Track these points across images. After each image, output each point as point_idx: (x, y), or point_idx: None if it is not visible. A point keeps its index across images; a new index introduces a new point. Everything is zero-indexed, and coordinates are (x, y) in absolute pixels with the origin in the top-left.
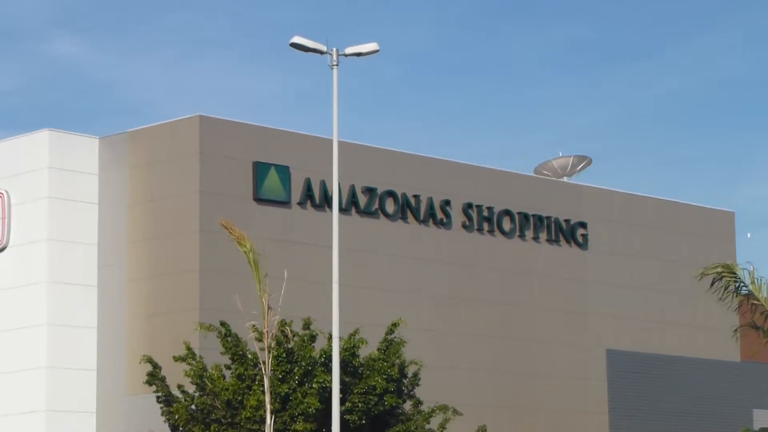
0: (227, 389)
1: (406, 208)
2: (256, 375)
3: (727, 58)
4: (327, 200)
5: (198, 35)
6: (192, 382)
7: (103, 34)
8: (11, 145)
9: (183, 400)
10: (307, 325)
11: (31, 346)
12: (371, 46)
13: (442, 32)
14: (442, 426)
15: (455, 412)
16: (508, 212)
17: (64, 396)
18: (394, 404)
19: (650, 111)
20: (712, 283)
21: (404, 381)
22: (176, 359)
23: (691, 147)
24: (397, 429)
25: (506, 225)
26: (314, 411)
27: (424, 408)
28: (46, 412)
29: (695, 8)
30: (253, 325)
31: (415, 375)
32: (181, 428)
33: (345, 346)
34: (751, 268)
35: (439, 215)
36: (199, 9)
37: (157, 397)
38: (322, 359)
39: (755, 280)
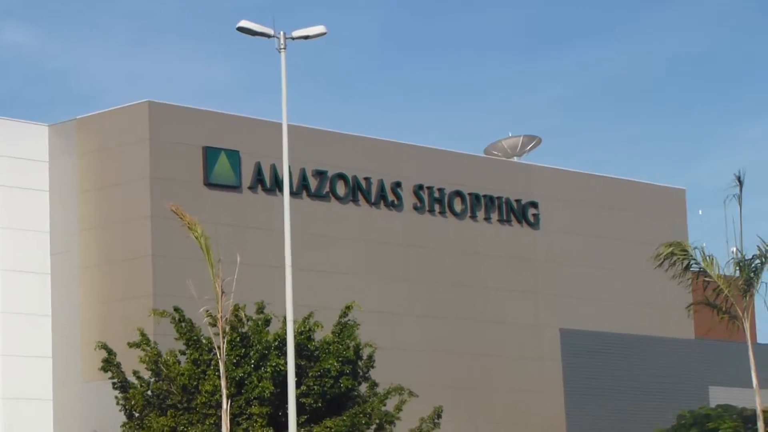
0: (182, 374)
1: (357, 190)
2: (211, 360)
3: (677, 34)
4: (278, 184)
5: (147, 22)
6: (147, 368)
7: (52, 21)
8: None
9: (139, 386)
10: (260, 309)
11: None
12: (318, 29)
13: (389, 15)
14: (398, 408)
15: (411, 393)
16: (459, 193)
17: (20, 384)
18: (349, 386)
19: (600, 89)
20: (663, 261)
21: (359, 363)
22: (131, 345)
23: (641, 124)
24: (353, 411)
25: (457, 206)
26: (269, 394)
27: (380, 390)
28: (2, 399)
29: None
30: (207, 310)
31: (370, 357)
32: (137, 414)
33: (299, 330)
34: (703, 246)
35: (390, 197)
36: None
37: (113, 384)
38: (277, 343)
39: (706, 258)
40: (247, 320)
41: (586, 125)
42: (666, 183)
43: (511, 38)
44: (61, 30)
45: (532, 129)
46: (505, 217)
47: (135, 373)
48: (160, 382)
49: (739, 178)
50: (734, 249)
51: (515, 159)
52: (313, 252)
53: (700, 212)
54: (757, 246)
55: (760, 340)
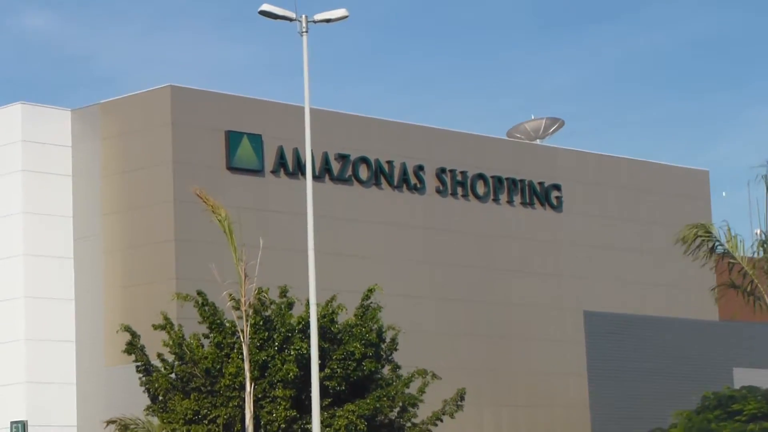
0: (206, 358)
1: (379, 174)
2: (234, 343)
3: (698, 16)
4: (300, 168)
5: (168, 5)
6: (171, 352)
7: (73, 7)
8: None
9: (162, 369)
10: (284, 293)
11: (10, 319)
12: (340, 12)
13: None
14: (421, 390)
15: (434, 376)
16: (481, 176)
17: (44, 368)
18: (372, 369)
19: (621, 71)
20: (688, 243)
21: (382, 346)
22: (155, 327)
23: (664, 106)
24: (377, 394)
25: (480, 189)
26: (293, 377)
27: (403, 373)
28: (27, 384)
29: None
30: (230, 294)
31: (393, 340)
32: (160, 397)
33: (322, 313)
34: (727, 227)
35: (413, 180)
36: None
37: (137, 367)
38: (300, 326)
39: (731, 239)
40: (270, 304)
41: (607, 107)
42: (689, 165)
43: (531, 21)
44: (81, 14)
45: (554, 111)
46: (528, 200)
47: (159, 356)
48: (184, 365)
49: None
50: (758, 230)
51: (538, 142)
52: (336, 236)
53: (724, 194)
54: None
55: None
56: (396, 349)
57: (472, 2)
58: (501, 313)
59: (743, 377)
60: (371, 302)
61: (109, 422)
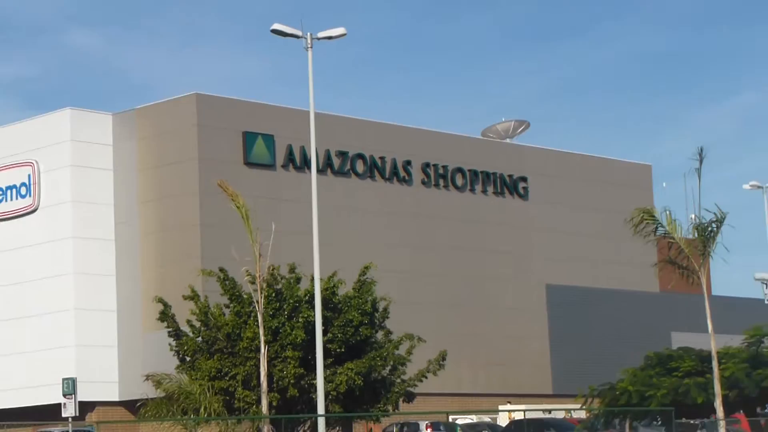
0: (227, 324)
1: (373, 168)
2: (251, 312)
3: (644, 33)
4: (306, 163)
5: (194, 25)
6: (197, 320)
7: (115, 27)
8: (39, 122)
9: (190, 334)
10: (292, 269)
11: (61, 293)
12: (340, 31)
13: (401, 16)
14: (409, 351)
15: (419, 339)
16: (460, 170)
17: (90, 333)
18: (368, 334)
19: (579, 80)
20: (635, 225)
21: (376, 315)
22: (185, 298)
23: (615, 110)
24: (371, 355)
25: (459, 181)
26: (301, 341)
27: (394, 337)
28: (76, 347)
29: None
30: (247, 270)
31: (385, 310)
32: (188, 358)
33: (325, 286)
34: (668, 212)
35: (402, 174)
36: (194, 4)
37: (168, 332)
38: (306, 297)
39: (671, 222)
40: (281, 279)
41: (568, 111)
42: (635, 160)
43: (502, 37)
44: (120, 33)
45: (521, 115)
46: (499, 190)
47: (188, 322)
48: (208, 330)
49: (700, 153)
50: (693, 215)
51: (507, 140)
52: (337, 221)
53: (664, 184)
54: (714, 213)
55: (714, 292)
56: (387, 317)
57: (451, 23)
58: (476, 287)
59: (680, 340)
60: (366, 277)
61: (147, 377)
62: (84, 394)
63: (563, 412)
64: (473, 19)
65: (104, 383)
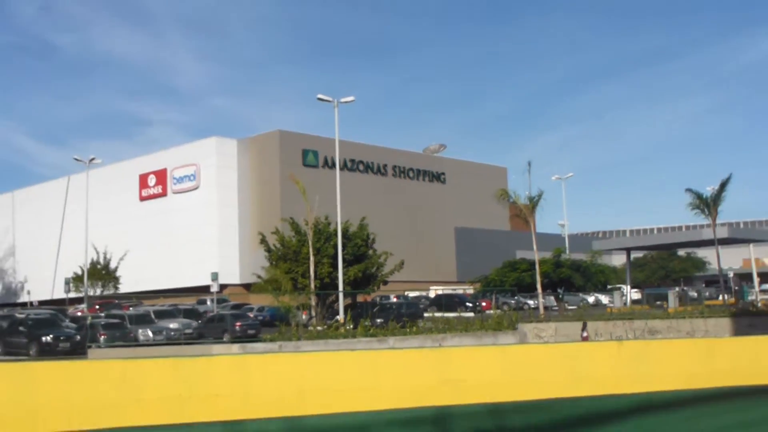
0: (293, 245)
1: (367, 167)
2: (305, 239)
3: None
4: (333, 165)
5: (277, 92)
6: (278, 243)
7: (240, 93)
8: (201, 143)
9: (274, 249)
10: (326, 219)
11: (210, 231)
12: (351, 98)
13: (389, 81)
14: (385, 259)
15: (390, 253)
16: (411, 168)
17: (226, 250)
18: (365, 251)
19: (471, 120)
20: (499, 196)
21: (369, 241)
22: (273, 233)
23: (487, 137)
24: (366, 262)
25: (411, 174)
26: (331, 254)
27: (378, 252)
28: (219, 257)
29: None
30: (304, 219)
31: (373, 240)
32: (273, 262)
33: (343, 227)
34: (515, 192)
35: (382, 170)
36: (278, 81)
37: (264, 249)
38: (334, 232)
39: (516, 196)
40: (320, 223)
41: (462, 138)
42: (499, 164)
43: (433, 103)
44: (239, 96)
45: (442, 140)
46: (431, 179)
47: (273, 245)
48: (284, 248)
49: (529, 163)
50: (527, 193)
51: (436, 154)
52: (347, 195)
53: (513, 177)
54: (539, 191)
55: (537, 231)
56: (374, 242)
57: (416, 87)
58: (419, 228)
59: (520, 254)
60: (364, 222)
61: (256, 274)
62: (222, 280)
63: (462, 290)
64: (420, 91)
65: (231, 274)
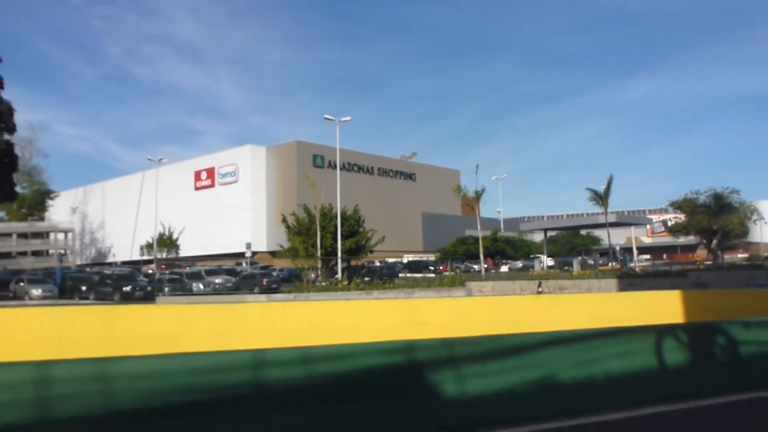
0: (306, 224)
1: (359, 169)
2: (314, 220)
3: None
4: (335, 167)
5: (297, 113)
6: (295, 221)
7: (269, 111)
8: (239, 149)
9: (292, 226)
10: (330, 205)
11: (246, 212)
12: (348, 117)
13: (374, 106)
14: (371, 235)
15: (374, 231)
16: (392, 170)
17: (256, 226)
18: (357, 228)
19: (440, 135)
20: (455, 191)
21: (359, 221)
22: (291, 215)
23: (451, 148)
24: (357, 237)
25: (390, 174)
26: (332, 231)
27: (367, 230)
28: (251, 233)
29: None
30: (314, 206)
31: (363, 220)
32: (291, 236)
33: (342, 212)
34: (465, 187)
35: (369, 171)
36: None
37: (285, 225)
38: (334, 215)
39: (466, 190)
40: (325, 209)
41: (428, 147)
42: (453, 167)
43: (409, 124)
44: (268, 114)
45: (413, 149)
46: (404, 178)
47: (291, 223)
48: (298, 226)
49: (477, 166)
50: (475, 188)
51: (409, 160)
52: (345, 188)
53: (465, 176)
54: (482, 187)
55: (482, 216)
56: (364, 222)
57: (396, 109)
58: (395, 213)
59: (469, 233)
60: (357, 208)
61: (279, 244)
62: (254, 248)
63: (427, 257)
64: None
65: (260, 244)
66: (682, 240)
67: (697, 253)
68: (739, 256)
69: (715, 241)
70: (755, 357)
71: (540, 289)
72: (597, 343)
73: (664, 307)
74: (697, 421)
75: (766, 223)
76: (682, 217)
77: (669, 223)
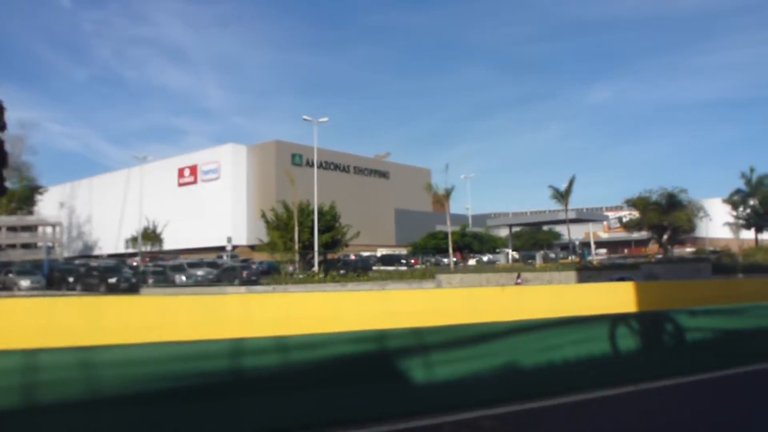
0: (284, 219)
1: (336, 167)
2: (292, 215)
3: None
4: (313, 165)
5: (280, 111)
6: (274, 217)
7: (250, 111)
8: (221, 148)
9: (271, 221)
10: (307, 201)
11: (225, 207)
12: (326, 119)
13: (356, 107)
14: (347, 229)
15: (350, 226)
16: (367, 168)
17: (236, 221)
18: (333, 224)
19: (409, 135)
20: (426, 188)
21: (336, 216)
22: (270, 210)
23: (425, 147)
24: (333, 231)
25: (366, 173)
26: (309, 226)
27: (342, 225)
28: (232, 225)
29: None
30: (293, 201)
31: (339, 216)
32: (271, 231)
33: (318, 208)
34: (437, 185)
35: (345, 169)
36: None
37: (264, 221)
38: (311, 210)
39: (437, 187)
40: (304, 205)
41: (401, 146)
42: (424, 165)
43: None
44: (250, 115)
45: (387, 149)
46: (379, 176)
47: (270, 218)
48: (278, 221)
49: (447, 165)
50: (445, 186)
51: (383, 159)
52: (321, 185)
53: (435, 175)
54: (452, 185)
55: (451, 212)
56: (339, 218)
57: (371, 111)
58: (369, 209)
59: (439, 228)
60: (333, 204)
61: (258, 238)
62: (234, 242)
63: (399, 251)
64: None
65: (241, 238)
66: (635, 235)
67: (649, 248)
68: (687, 250)
69: (665, 237)
70: (700, 342)
71: (519, 281)
72: (556, 331)
73: (618, 297)
74: (648, 401)
75: (711, 220)
76: (636, 214)
77: (624, 220)
